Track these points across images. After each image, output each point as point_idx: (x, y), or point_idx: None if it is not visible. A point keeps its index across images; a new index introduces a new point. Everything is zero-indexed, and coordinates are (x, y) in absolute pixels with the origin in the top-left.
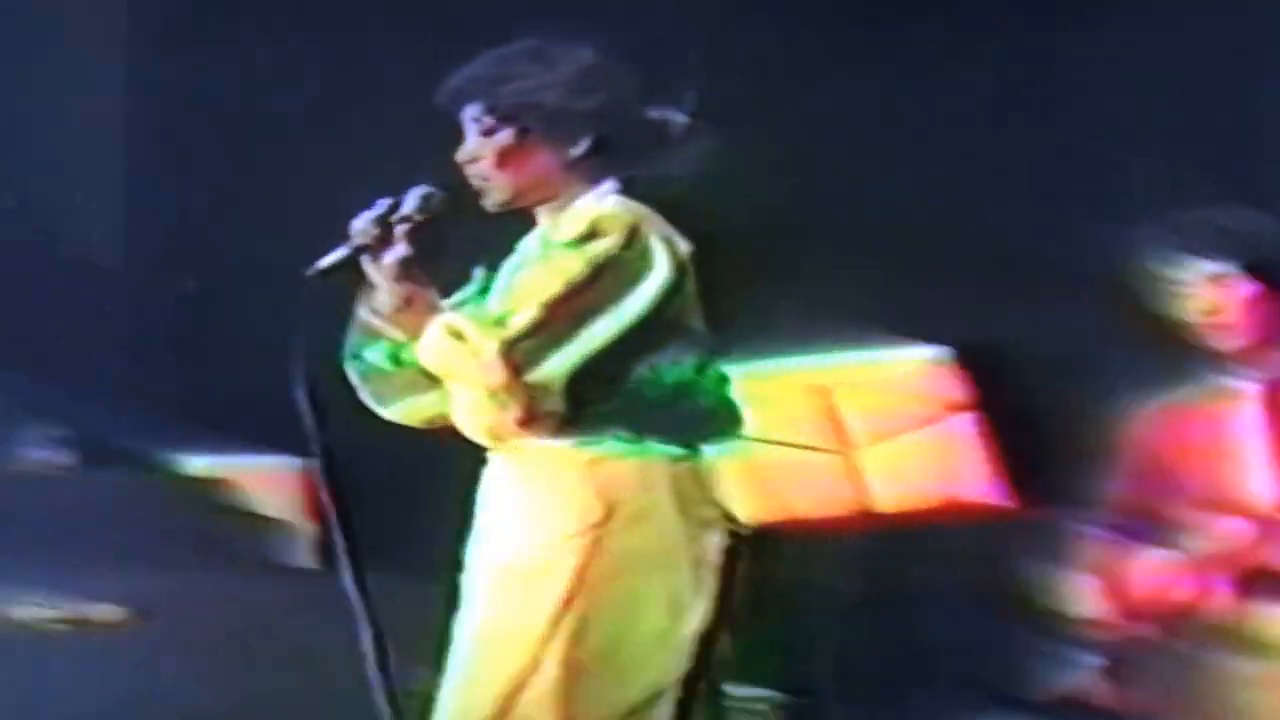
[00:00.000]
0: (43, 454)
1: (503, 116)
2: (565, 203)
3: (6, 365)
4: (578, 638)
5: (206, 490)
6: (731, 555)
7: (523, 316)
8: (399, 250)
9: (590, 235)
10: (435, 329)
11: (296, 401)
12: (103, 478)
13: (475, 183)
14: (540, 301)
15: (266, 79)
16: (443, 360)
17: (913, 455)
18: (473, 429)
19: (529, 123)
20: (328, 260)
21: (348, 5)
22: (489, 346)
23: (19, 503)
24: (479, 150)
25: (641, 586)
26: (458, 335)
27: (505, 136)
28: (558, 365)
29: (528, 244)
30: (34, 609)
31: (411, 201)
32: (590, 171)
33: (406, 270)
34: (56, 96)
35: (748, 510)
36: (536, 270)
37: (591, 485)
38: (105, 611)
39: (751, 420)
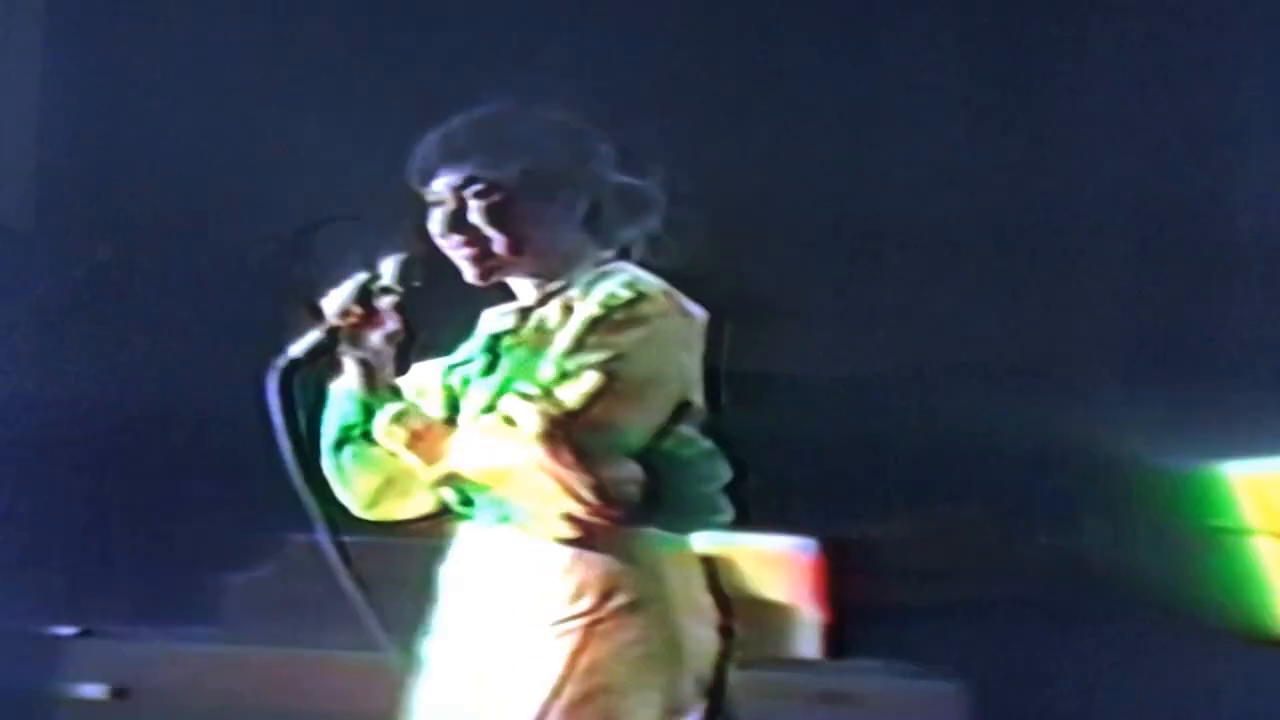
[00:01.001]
0: None
1: (493, 181)
2: (563, 274)
3: None
4: None
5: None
6: (725, 649)
7: (580, 386)
8: (387, 328)
9: (626, 300)
10: (484, 423)
11: (298, 491)
12: None
13: (455, 255)
14: (590, 363)
15: (183, 41)
16: (492, 456)
17: None
18: (543, 524)
19: (521, 186)
20: (300, 347)
21: None
22: (544, 422)
23: None
24: (465, 218)
25: (636, 678)
26: (509, 421)
27: (496, 202)
28: (629, 435)
29: (513, 319)
30: None
31: (391, 271)
32: (588, 242)
33: (394, 346)
34: None
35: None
36: (569, 336)
37: (587, 571)
38: None
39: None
